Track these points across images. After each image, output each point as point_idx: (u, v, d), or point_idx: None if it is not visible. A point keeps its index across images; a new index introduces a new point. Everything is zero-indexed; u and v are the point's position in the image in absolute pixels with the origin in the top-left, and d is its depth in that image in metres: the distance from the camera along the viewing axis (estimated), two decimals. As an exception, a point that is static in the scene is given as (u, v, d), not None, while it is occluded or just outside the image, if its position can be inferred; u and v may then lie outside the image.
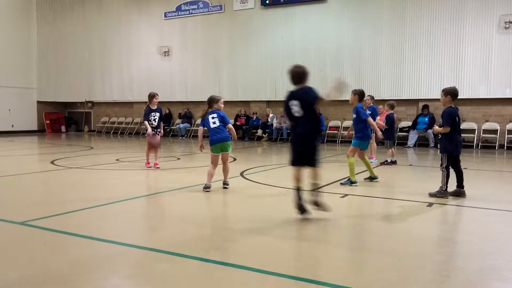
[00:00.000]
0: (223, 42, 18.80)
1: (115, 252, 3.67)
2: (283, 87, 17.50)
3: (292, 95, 4.66)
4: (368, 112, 10.28)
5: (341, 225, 4.77)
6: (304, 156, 4.66)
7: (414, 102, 15.62)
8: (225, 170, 6.61)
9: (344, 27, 16.31)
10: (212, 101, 6.55)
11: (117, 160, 10.48)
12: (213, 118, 6.39)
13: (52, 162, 9.74)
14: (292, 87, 4.70)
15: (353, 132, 7.18)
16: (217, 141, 6.34)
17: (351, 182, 6.87)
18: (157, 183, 7.52)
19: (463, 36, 14.43)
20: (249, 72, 18.15)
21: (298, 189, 4.69)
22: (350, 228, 4.63)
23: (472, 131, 14.51)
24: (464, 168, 8.89)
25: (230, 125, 6.51)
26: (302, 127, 4.61)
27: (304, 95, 4.57)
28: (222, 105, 6.61)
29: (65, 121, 23.89)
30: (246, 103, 18.55)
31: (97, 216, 4.98)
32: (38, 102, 23.26)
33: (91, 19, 22.06)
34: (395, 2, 15.39)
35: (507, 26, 13.76)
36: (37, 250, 3.72)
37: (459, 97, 15.07)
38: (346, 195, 6.17)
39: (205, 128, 6.50)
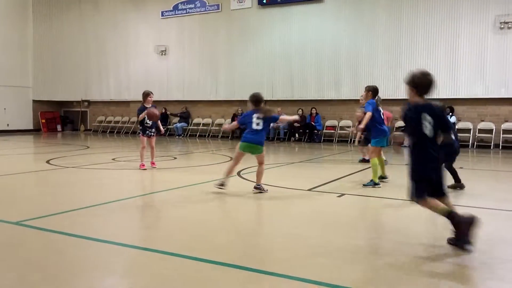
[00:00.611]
0: (220, 41, 18.79)
1: (111, 252, 3.66)
2: (280, 87, 17.58)
3: (425, 107, 3.70)
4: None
5: (336, 224, 4.78)
6: (441, 184, 3.83)
7: (410, 101, 15.65)
8: (259, 172, 6.26)
9: (341, 27, 16.33)
10: (260, 100, 6.09)
11: (113, 159, 10.46)
12: (258, 118, 6.00)
13: (47, 162, 9.70)
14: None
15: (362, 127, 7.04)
16: (250, 140, 6.02)
17: (374, 183, 6.73)
18: (153, 182, 7.51)
19: (459, 37, 14.49)
20: (246, 72, 18.15)
21: (451, 213, 3.68)
22: (345, 227, 4.63)
23: (467, 130, 14.57)
24: (460, 168, 8.93)
25: (282, 117, 6.57)
26: (437, 149, 3.77)
27: (441, 113, 3.77)
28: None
29: (61, 120, 23.81)
30: (243, 102, 18.49)
31: (93, 215, 4.97)
32: (34, 101, 23.17)
33: (88, 17, 21.99)
34: (391, 2, 15.43)
35: (502, 26, 13.82)
36: (32, 250, 3.70)
37: (455, 97, 14.96)
38: (343, 194, 6.18)
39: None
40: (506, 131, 14.19)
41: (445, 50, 14.70)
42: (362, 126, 6.87)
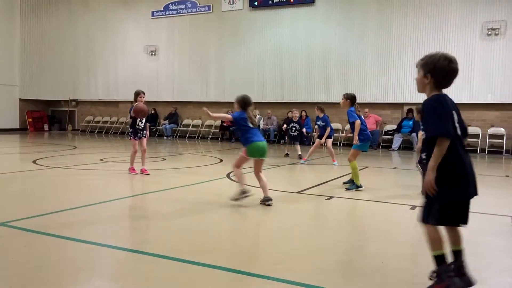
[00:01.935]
0: (211, 43, 18.77)
1: (98, 254, 3.63)
2: (271, 89, 17.61)
3: (452, 102, 2.87)
4: (322, 123, 10.58)
5: (324, 227, 4.80)
6: (468, 207, 2.84)
7: (399, 106, 15.80)
8: (266, 184, 5.68)
9: (332, 30, 16.43)
10: (250, 103, 5.90)
11: (101, 160, 10.37)
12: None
13: (34, 162, 9.58)
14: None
15: (352, 135, 7.15)
16: (263, 141, 5.63)
17: (356, 186, 6.77)
18: (142, 184, 7.46)
19: (447, 43, 14.66)
20: (237, 73, 18.15)
21: (445, 258, 2.78)
22: (334, 230, 4.66)
23: (455, 135, 14.75)
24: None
25: None
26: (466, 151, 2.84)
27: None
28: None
29: (48, 119, 23.53)
30: (233, 104, 18.49)
31: (80, 217, 4.92)
32: (21, 99, 22.84)
33: (77, 15, 21.79)
34: (382, 8, 15.57)
35: (489, 33, 14.03)
36: (18, 251, 3.65)
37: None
38: (331, 197, 6.21)
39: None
40: (492, 136, 14.40)
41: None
42: (356, 137, 6.88)
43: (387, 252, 3.80)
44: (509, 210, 5.48)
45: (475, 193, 2.82)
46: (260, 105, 18.08)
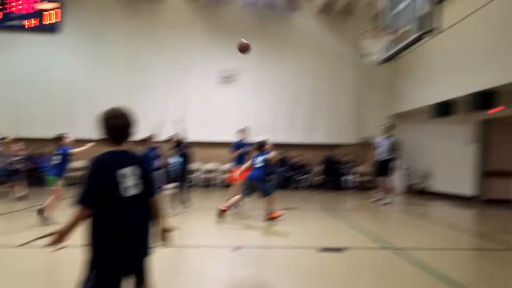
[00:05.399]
0: None
1: None
2: None
3: (121, 159, 2.69)
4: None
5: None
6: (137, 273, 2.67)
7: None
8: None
9: (77, 62, 15.72)
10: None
11: None
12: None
13: None
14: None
15: None
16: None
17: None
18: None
19: (190, 86, 16.24)
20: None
21: None
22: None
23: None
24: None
25: None
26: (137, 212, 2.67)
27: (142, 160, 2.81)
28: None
29: None
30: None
31: None
32: None
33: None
34: (130, 46, 15.91)
35: (223, 80, 16.14)
36: None
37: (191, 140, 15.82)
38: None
39: None
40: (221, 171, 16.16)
41: (178, 98, 16.07)
42: None
43: None
44: (314, 241, 6.06)
45: (129, 263, 2.58)
46: None
